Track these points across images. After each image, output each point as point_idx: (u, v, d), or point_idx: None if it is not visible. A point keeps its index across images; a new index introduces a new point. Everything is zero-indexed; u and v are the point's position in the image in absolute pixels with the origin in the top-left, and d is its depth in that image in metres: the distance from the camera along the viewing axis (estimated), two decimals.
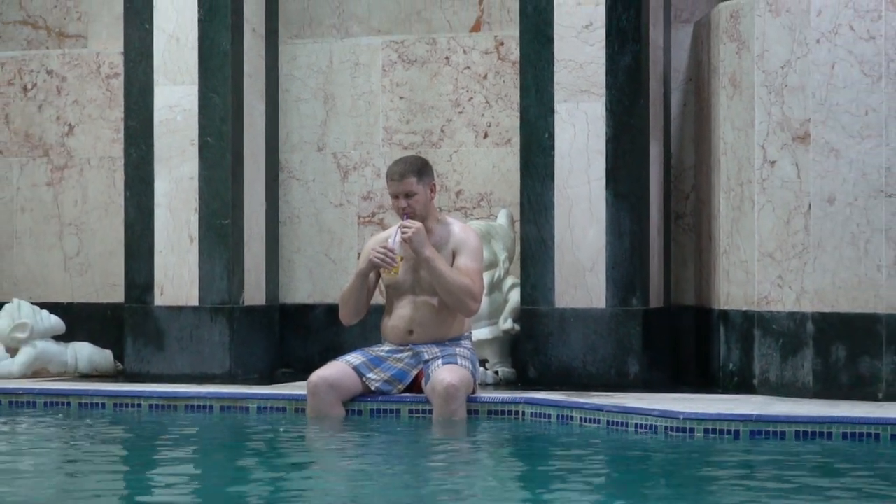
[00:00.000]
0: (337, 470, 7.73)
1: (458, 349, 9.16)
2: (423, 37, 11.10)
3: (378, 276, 9.29)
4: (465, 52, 11.02)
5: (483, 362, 9.91)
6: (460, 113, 11.01)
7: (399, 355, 9.19)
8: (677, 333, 10.29)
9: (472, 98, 11.00)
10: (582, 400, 8.95)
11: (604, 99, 9.93)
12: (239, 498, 6.69)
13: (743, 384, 9.45)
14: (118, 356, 10.97)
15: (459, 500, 6.67)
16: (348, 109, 11.19)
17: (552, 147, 10.01)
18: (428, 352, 9.13)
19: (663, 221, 10.33)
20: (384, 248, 9.01)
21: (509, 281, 10.41)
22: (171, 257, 10.64)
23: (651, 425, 8.29)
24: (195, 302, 10.59)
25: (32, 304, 11.03)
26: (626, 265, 9.93)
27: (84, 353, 10.94)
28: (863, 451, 7.60)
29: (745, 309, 9.51)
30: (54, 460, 8.16)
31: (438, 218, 9.33)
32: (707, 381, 9.86)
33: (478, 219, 10.52)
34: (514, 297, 10.34)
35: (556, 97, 10.01)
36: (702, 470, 7.26)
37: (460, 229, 9.28)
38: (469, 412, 8.94)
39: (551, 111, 10.02)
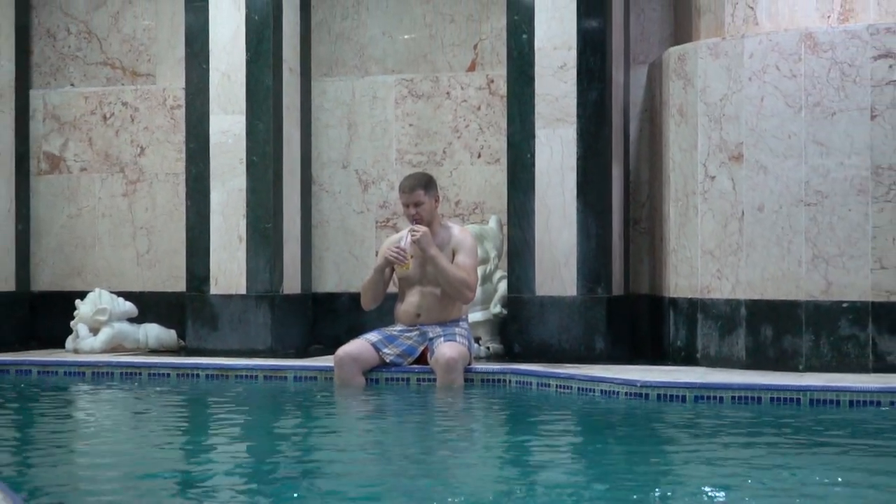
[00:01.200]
0: (358, 426, 7.73)
1: (457, 329, 9.16)
2: (429, 75, 11.07)
3: (392, 270, 9.27)
4: (462, 88, 10.99)
5: (477, 340, 9.89)
6: (458, 137, 10.98)
7: (409, 334, 9.19)
8: (635, 316, 10.26)
9: (468, 125, 10.96)
10: (557, 370, 8.94)
11: (575, 126, 9.89)
12: (278, 448, 6.69)
13: (688, 358, 9.44)
14: (181, 335, 10.92)
15: (457, 450, 6.67)
16: (368, 134, 11.16)
17: (533, 165, 9.98)
18: (432, 331, 9.13)
19: (623, 226, 10.30)
20: (397, 247, 9.02)
21: (498, 274, 10.38)
22: (223, 254, 10.61)
23: (613, 391, 8.29)
24: (243, 291, 10.55)
25: (111, 292, 10.99)
26: (593, 261, 9.89)
27: (153, 332, 10.89)
28: (786, 413, 7.58)
29: (690, 297, 9.49)
30: (129, 419, 8.15)
31: (441, 223, 9.31)
32: (659, 356, 9.82)
33: (473, 223, 10.46)
34: (502, 286, 10.31)
35: (537, 125, 9.98)
36: (654, 426, 7.29)
37: (459, 232, 9.28)
38: (466, 380, 8.92)
39: (532, 136, 9.99)
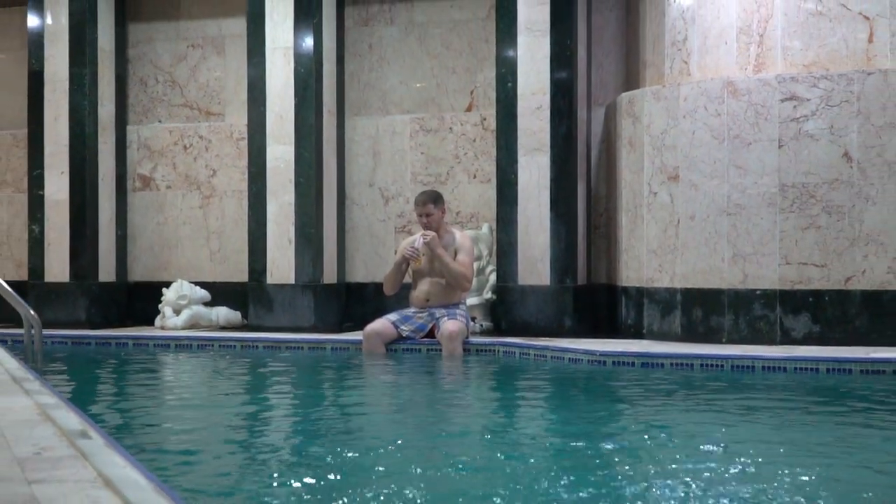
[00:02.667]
0: (381, 385, 7.76)
1: (457, 310, 9.19)
2: (435, 115, 11.05)
3: (408, 265, 9.31)
4: (461, 124, 10.97)
5: (473, 318, 9.87)
6: (458, 163, 10.96)
7: (420, 314, 9.23)
8: (595, 301, 10.22)
9: (466, 153, 10.94)
10: (535, 343, 8.96)
11: (549, 154, 9.87)
12: (320, 400, 6.72)
13: (637, 333, 9.44)
14: (244, 315, 10.94)
15: (457, 401, 6.72)
16: (388, 160, 11.15)
17: (516, 184, 9.96)
18: (438, 312, 9.17)
19: (586, 230, 10.25)
20: (412, 248, 9.17)
21: (489, 268, 10.37)
22: (277, 253, 10.59)
23: (578, 358, 8.31)
24: (292, 281, 10.53)
25: (190, 282, 11.04)
26: (563, 258, 9.87)
27: (222, 313, 10.93)
28: (711, 376, 7.61)
29: (638, 285, 9.51)
30: (204, 379, 8.18)
31: (446, 229, 9.34)
32: (614, 332, 9.81)
33: (470, 229, 10.45)
34: (493, 277, 10.31)
35: (519, 153, 9.95)
36: (609, 384, 7.32)
37: (460, 236, 9.34)
38: (464, 350, 8.93)
39: (516, 161, 9.96)
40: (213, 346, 9.83)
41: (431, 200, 9.22)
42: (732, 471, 4.28)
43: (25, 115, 11.64)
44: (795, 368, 7.64)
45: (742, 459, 4.52)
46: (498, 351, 9.07)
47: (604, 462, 4.55)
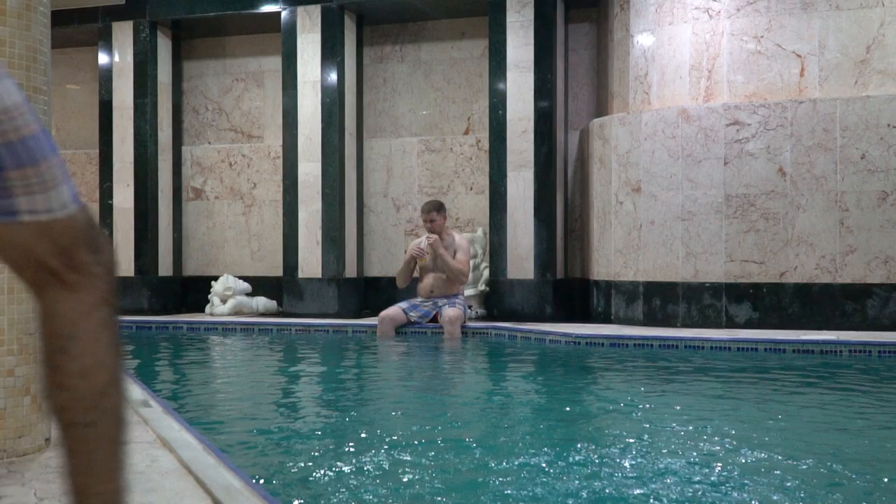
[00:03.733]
0: (393, 361, 7.76)
1: (457, 300, 9.17)
2: (439, 137, 11.03)
3: (415, 262, 9.29)
4: (460, 145, 10.95)
5: (470, 307, 9.86)
6: (458, 177, 10.94)
7: (426, 303, 9.19)
8: (571, 292, 10.21)
9: (463, 170, 10.92)
10: (521, 327, 8.93)
11: (533, 170, 9.86)
12: (344, 371, 6.71)
13: (606, 319, 9.41)
14: (279, 304, 10.92)
15: (457, 373, 6.70)
16: (399, 175, 11.13)
17: (506, 195, 9.94)
18: (441, 301, 9.15)
19: (564, 233, 10.23)
20: (419, 248, 9.16)
21: (483, 264, 10.34)
22: (307, 252, 10.57)
23: (557, 340, 8.30)
24: (319, 275, 10.52)
25: (234, 276, 11.03)
26: (544, 257, 9.85)
27: (262, 302, 10.88)
28: (669, 355, 7.58)
29: (607, 279, 9.47)
30: (247, 356, 8.20)
31: (448, 232, 9.33)
32: (587, 317, 9.79)
33: (467, 232, 10.44)
34: (486, 273, 10.27)
35: (508, 169, 9.94)
36: (584, 362, 7.29)
37: (458, 238, 9.32)
38: (462, 333, 8.92)
39: (505, 176, 9.95)
40: (253, 329, 9.78)
41: (435, 209, 9.23)
42: (681, 421, 4.30)
43: (97, 137, 11.71)
44: (738, 348, 7.62)
45: (690, 415, 4.54)
46: (490, 333, 9.03)
47: (575, 416, 4.64)
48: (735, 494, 3.21)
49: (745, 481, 3.36)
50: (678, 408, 4.93)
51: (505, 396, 5.62)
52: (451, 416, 4.75)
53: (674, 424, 4.44)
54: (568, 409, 4.94)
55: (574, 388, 5.75)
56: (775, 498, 3.15)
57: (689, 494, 3.20)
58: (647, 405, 5.05)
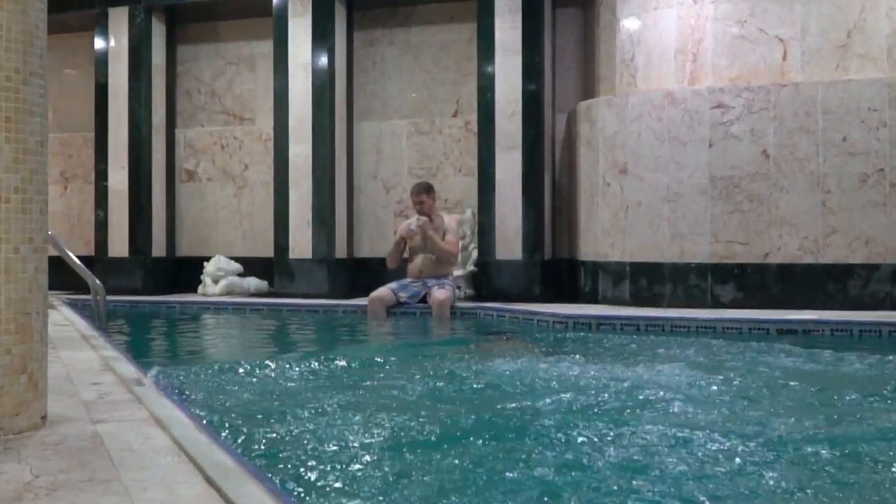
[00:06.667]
0: (383, 341, 7.75)
1: (446, 280, 9.16)
2: (428, 119, 11.01)
3: (405, 243, 9.27)
4: (449, 127, 10.93)
5: (458, 287, 9.82)
6: (447, 159, 10.92)
7: (416, 283, 9.16)
8: (559, 272, 10.20)
9: (452, 151, 10.91)
10: (509, 307, 8.92)
11: (521, 152, 9.87)
12: (333, 356, 6.68)
13: (593, 299, 9.40)
14: (270, 284, 10.92)
15: (446, 352, 6.68)
16: (389, 157, 11.10)
17: (494, 176, 9.94)
18: (430, 282, 9.11)
19: (551, 214, 10.23)
20: (408, 229, 9.16)
21: (472, 245, 10.36)
22: (297, 233, 10.57)
23: (545, 320, 8.24)
24: (310, 256, 10.52)
25: (226, 257, 11.05)
26: (532, 237, 9.86)
27: (253, 282, 10.90)
28: (656, 336, 7.54)
29: (594, 259, 9.47)
30: (238, 336, 8.17)
31: (437, 213, 9.33)
32: (574, 298, 9.78)
33: (456, 213, 10.42)
34: (475, 253, 10.30)
35: (497, 151, 9.94)
36: (569, 342, 7.24)
37: (448, 219, 9.32)
38: (451, 313, 8.89)
39: (493, 158, 9.95)
40: (245, 309, 9.75)
41: (424, 190, 9.20)
42: (669, 397, 4.32)
43: (93, 120, 11.69)
44: (723, 328, 7.60)
45: (680, 392, 4.55)
46: (479, 314, 9.02)
47: (561, 388, 4.65)
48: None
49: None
50: (667, 384, 4.93)
51: (489, 371, 5.60)
52: (437, 391, 4.73)
53: (669, 397, 4.46)
54: (553, 381, 4.94)
55: (558, 368, 5.73)
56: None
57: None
58: (634, 381, 5.04)
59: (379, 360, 6.09)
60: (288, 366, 5.97)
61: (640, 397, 4.61)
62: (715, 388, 4.94)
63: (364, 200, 11.16)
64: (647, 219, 8.91)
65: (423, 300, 9.10)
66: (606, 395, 4.69)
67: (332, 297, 10.23)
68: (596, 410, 4.33)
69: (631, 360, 6.10)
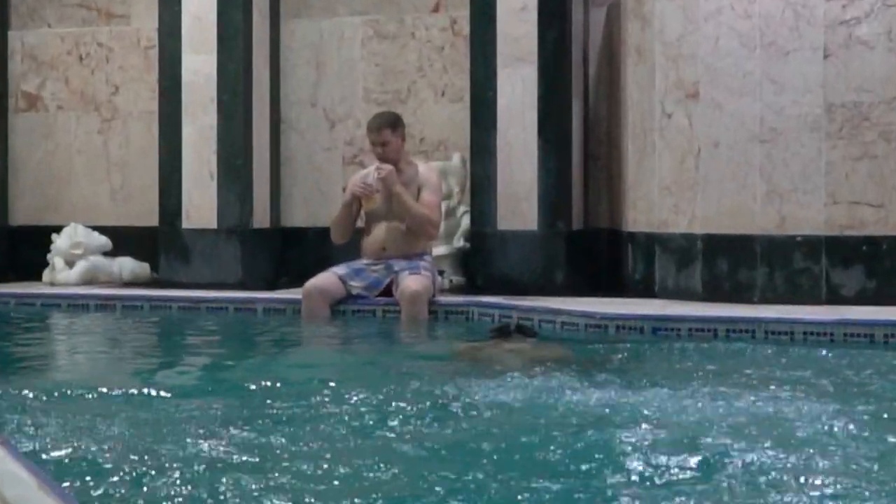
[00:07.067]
0: (324, 355, 7.90)
1: (421, 262, 9.16)
2: (394, 17, 11.00)
3: (360, 205, 9.30)
4: (426, 28, 10.91)
5: (441, 272, 9.81)
6: (423, 76, 10.92)
7: (375, 267, 9.20)
8: (594, 250, 10.22)
9: (432, 65, 10.89)
10: (518, 303, 8.90)
11: (536, 65, 9.85)
12: (245, 379, 6.62)
13: (647, 290, 9.36)
14: (154, 268, 10.95)
15: (420, 372, 6.62)
16: (335, 74, 11.09)
17: (495, 103, 9.94)
18: (397, 264, 9.12)
19: (583, 161, 10.25)
20: (365, 184, 9.17)
21: (461, 209, 10.38)
22: (195, 190, 10.60)
23: (573, 322, 8.28)
24: (214, 225, 10.56)
25: (86, 226, 10.99)
26: (553, 196, 9.86)
27: (127, 265, 10.89)
28: (743, 344, 7.52)
29: (647, 231, 9.43)
30: (103, 349, 8.20)
31: (408, 160, 9.38)
32: (618, 288, 9.75)
33: (437, 160, 10.40)
34: (465, 221, 10.31)
35: (498, 64, 9.94)
36: (610, 357, 7.17)
37: (424, 169, 9.40)
38: (430, 312, 8.93)
39: (494, 75, 9.95)
40: (115, 306, 9.81)
41: (389, 125, 9.24)
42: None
43: None
44: (845, 335, 7.59)
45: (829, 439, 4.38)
46: (472, 313, 9.03)
47: (610, 431, 4.52)
48: None
49: None
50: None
51: (485, 402, 5.50)
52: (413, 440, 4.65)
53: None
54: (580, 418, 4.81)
55: (587, 403, 5.62)
56: None
57: None
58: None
59: (316, 384, 6.12)
60: (176, 393, 5.91)
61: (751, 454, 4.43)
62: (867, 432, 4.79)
63: (296, 140, 11.11)
64: (730, 168, 8.86)
65: (387, 292, 9.09)
66: (701, 449, 4.54)
67: (248, 287, 10.23)
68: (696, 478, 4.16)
69: (717, 384, 6.01)
